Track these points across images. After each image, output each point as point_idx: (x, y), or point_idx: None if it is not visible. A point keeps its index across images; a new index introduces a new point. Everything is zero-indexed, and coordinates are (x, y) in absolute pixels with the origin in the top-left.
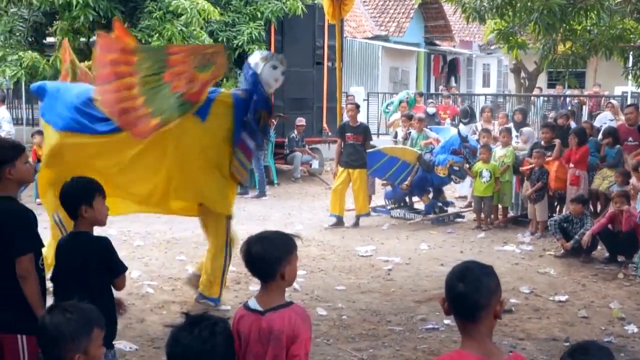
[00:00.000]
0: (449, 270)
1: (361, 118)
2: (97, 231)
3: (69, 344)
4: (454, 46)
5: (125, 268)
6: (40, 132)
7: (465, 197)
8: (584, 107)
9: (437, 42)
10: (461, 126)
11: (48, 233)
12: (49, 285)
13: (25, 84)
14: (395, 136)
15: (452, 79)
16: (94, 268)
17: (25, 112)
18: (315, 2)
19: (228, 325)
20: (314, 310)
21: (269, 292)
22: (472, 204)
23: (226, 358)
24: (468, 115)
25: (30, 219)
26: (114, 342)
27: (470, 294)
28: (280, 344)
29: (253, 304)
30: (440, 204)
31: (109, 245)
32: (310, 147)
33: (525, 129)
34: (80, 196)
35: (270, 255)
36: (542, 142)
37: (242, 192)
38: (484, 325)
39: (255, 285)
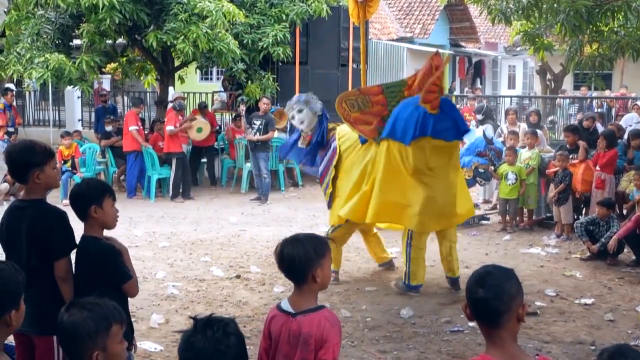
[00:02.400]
0: (471, 275)
1: None
2: (121, 231)
3: (86, 341)
4: (479, 48)
5: (129, 277)
6: (68, 133)
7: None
8: (612, 109)
9: (463, 43)
10: (487, 128)
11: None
12: None
13: (51, 86)
14: None
15: (478, 80)
16: (99, 275)
17: (52, 114)
18: (340, 4)
19: (237, 325)
20: (339, 311)
21: (301, 294)
22: (497, 206)
23: (239, 358)
24: (482, 112)
25: (65, 220)
26: (139, 343)
27: (490, 300)
28: (308, 348)
29: (285, 305)
30: None
31: (113, 255)
32: None
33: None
34: (91, 196)
35: (301, 257)
36: (567, 146)
37: (256, 197)
38: (506, 330)
39: (279, 287)
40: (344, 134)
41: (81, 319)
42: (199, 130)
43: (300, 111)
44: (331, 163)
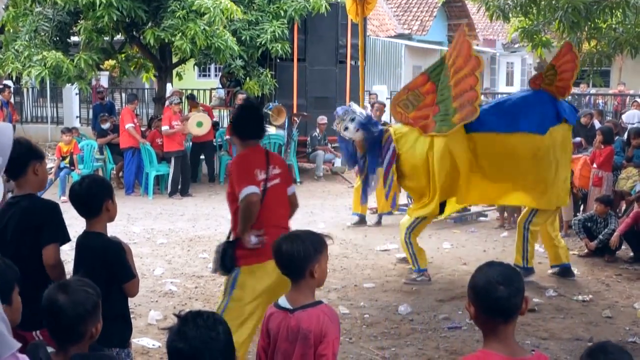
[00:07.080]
0: (479, 274)
1: (384, 117)
2: (119, 227)
3: (91, 317)
4: (477, 45)
5: (133, 275)
6: (69, 129)
7: None
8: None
9: None
10: None
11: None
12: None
13: (49, 83)
14: None
15: None
16: (101, 271)
17: (50, 111)
18: (339, 0)
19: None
20: (336, 308)
21: (298, 290)
22: None
23: (228, 347)
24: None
25: (57, 211)
26: (137, 340)
27: (511, 297)
28: (307, 343)
29: (283, 302)
30: None
31: (119, 251)
32: (332, 145)
33: None
34: (105, 191)
35: (299, 253)
36: None
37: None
38: (512, 325)
39: None
40: (400, 134)
41: (85, 297)
42: (199, 124)
43: (352, 120)
44: (391, 165)
